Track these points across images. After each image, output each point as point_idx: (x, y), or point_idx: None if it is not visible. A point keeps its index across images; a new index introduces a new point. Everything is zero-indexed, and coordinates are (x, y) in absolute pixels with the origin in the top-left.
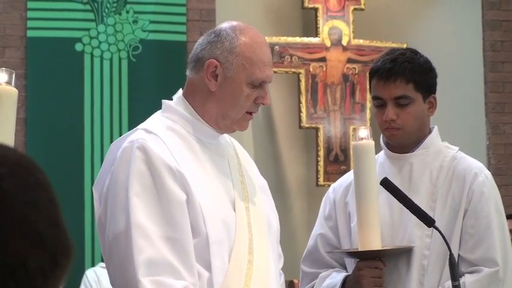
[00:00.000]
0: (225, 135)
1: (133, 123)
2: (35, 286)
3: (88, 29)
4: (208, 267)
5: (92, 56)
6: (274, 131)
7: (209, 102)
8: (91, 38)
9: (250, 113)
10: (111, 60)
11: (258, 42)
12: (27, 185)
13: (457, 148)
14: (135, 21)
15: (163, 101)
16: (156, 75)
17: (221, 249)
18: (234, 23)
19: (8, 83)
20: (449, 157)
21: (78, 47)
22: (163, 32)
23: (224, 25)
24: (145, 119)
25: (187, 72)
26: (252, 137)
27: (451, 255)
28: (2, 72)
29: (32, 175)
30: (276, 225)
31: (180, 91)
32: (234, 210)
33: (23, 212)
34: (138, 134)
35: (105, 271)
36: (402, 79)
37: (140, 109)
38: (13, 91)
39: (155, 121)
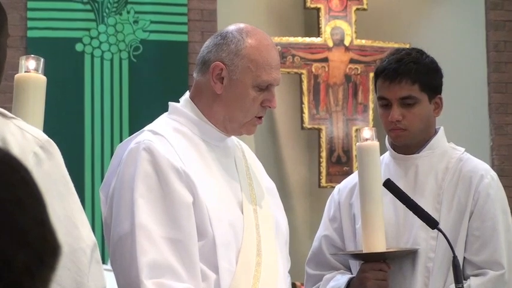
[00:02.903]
0: (233, 137)
1: (134, 124)
2: (22, 286)
3: (88, 29)
4: (215, 269)
5: (93, 56)
6: (276, 131)
7: (216, 105)
8: (91, 38)
9: (259, 118)
10: (111, 60)
11: (265, 44)
12: (12, 183)
13: (463, 149)
14: (135, 22)
15: (170, 103)
16: (157, 75)
17: (228, 251)
18: (242, 25)
19: (36, 70)
20: (455, 158)
21: (79, 47)
22: (164, 32)
23: (231, 27)
24: (146, 120)
25: (194, 75)
26: (254, 138)
27: (454, 257)
28: (30, 60)
29: (17, 173)
30: (284, 228)
31: (187, 93)
32: (242, 212)
33: (7, 211)
34: (144, 136)
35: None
36: (408, 79)
37: (141, 109)
38: (41, 78)
39: (162, 123)
